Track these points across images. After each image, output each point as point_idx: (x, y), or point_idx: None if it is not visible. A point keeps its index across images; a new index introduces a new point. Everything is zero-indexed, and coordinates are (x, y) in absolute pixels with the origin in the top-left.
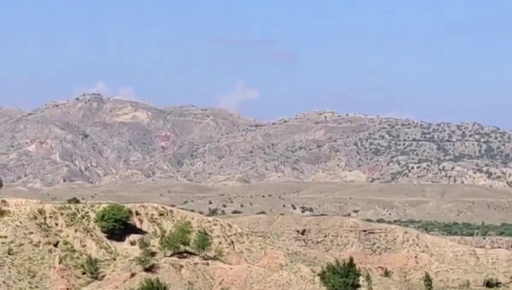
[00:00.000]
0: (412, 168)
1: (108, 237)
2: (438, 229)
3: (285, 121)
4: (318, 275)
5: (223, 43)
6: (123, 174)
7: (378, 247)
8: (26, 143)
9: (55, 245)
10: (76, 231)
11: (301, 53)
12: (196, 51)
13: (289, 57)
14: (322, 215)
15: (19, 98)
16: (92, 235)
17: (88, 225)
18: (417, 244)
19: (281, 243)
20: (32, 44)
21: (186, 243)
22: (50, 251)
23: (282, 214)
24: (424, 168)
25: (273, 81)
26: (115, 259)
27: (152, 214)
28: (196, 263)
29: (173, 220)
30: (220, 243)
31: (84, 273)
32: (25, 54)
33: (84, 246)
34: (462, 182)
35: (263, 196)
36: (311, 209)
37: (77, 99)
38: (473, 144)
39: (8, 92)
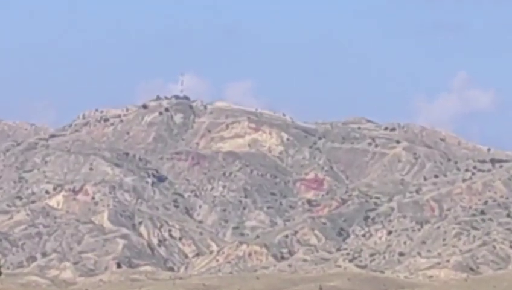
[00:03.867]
0: None
1: None
2: None
3: None
4: None
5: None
6: (232, 254)
7: None
8: (46, 192)
9: None
10: None
11: None
12: (365, 13)
13: None
14: None
15: (33, 108)
16: None
17: None
18: None
19: None
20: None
21: None
22: None
23: None
24: None
25: None
26: None
27: None
28: None
29: None
30: None
31: None
32: (43, 27)
33: None
34: None
35: None
36: None
37: (144, 107)
38: None
39: (15, 97)
